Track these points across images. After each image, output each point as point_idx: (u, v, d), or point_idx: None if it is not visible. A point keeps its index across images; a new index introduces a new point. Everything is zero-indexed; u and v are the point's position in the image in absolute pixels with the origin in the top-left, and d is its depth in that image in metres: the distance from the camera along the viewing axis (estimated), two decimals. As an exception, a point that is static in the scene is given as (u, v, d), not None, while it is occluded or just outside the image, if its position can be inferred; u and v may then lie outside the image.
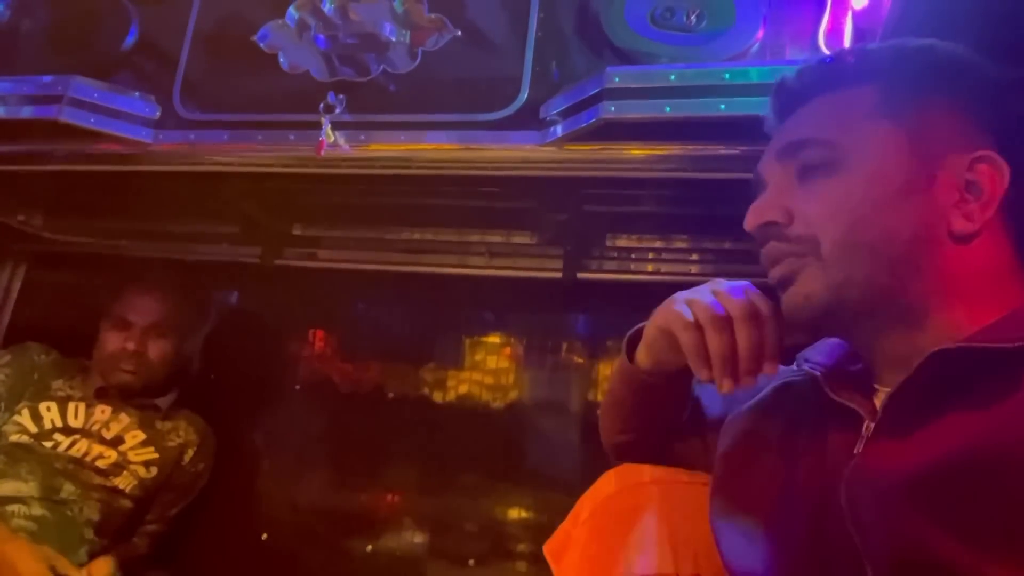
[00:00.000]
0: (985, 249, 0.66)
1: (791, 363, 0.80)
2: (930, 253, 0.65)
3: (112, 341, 1.63)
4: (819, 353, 0.77)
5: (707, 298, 0.73)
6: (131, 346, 1.62)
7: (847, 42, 1.05)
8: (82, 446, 1.55)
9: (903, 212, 0.66)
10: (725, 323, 0.71)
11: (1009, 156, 0.66)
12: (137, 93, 1.33)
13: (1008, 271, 0.67)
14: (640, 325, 0.86)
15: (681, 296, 0.77)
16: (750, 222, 0.72)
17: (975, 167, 0.66)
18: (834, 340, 0.79)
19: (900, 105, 0.68)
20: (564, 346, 1.76)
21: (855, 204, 0.66)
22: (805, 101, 0.74)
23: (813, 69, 0.74)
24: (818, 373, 0.73)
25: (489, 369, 1.78)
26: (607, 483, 0.87)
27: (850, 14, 1.05)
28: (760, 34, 1.12)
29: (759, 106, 0.98)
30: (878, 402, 0.67)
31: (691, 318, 0.73)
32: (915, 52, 0.71)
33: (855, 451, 0.64)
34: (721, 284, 0.75)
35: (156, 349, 1.65)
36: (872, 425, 0.64)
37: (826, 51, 1.07)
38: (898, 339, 0.66)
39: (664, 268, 1.59)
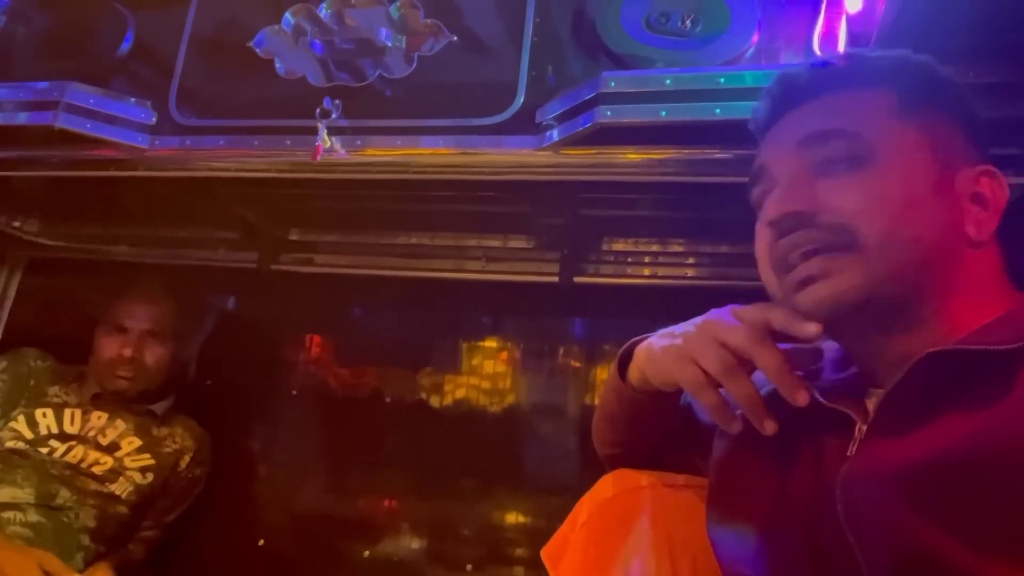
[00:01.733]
0: (988, 256, 0.68)
1: None
2: (952, 256, 0.66)
3: (108, 347, 1.63)
4: None
5: (711, 349, 0.69)
6: (127, 352, 1.61)
7: (841, 47, 1.06)
8: (78, 452, 1.55)
9: (934, 213, 0.66)
10: (740, 368, 0.68)
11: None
12: (133, 99, 1.33)
13: (1001, 278, 0.69)
14: (632, 341, 0.86)
15: (678, 344, 0.73)
16: (776, 210, 0.68)
17: (980, 180, 0.68)
18: (824, 345, 0.79)
19: (920, 112, 0.69)
20: (561, 350, 1.76)
21: (894, 199, 0.66)
22: (814, 96, 0.72)
23: (823, 67, 0.74)
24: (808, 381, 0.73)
25: (486, 373, 1.78)
26: (604, 487, 0.87)
27: (844, 19, 1.05)
28: (755, 39, 1.13)
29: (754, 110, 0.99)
30: (870, 405, 0.68)
31: (702, 377, 0.69)
32: (925, 66, 0.72)
33: (848, 453, 0.65)
34: (714, 325, 0.71)
35: (152, 355, 1.65)
36: (864, 427, 0.65)
37: (820, 55, 1.07)
38: (901, 340, 0.66)
39: (661, 272, 1.59)
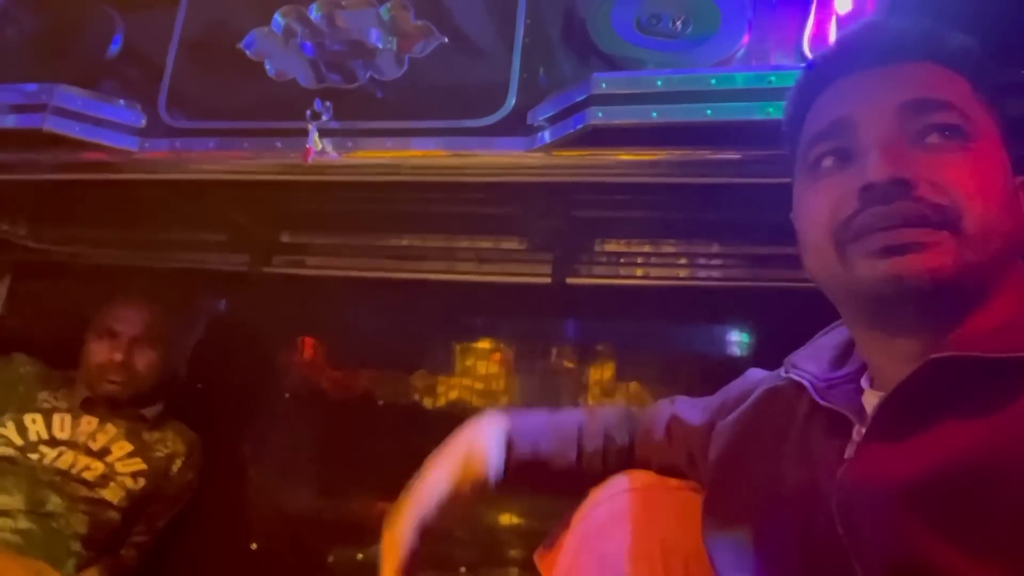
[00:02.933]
0: (1020, 263, 0.66)
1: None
2: (1013, 259, 0.64)
3: (98, 352, 1.62)
4: (806, 359, 0.76)
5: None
6: (118, 357, 1.60)
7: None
8: (68, 458, 1.54)
9: (1014, 209, 0.64)
10: None
11: None
12: (122, 101, 1.32)
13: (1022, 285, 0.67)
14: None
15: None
16: (884, 172, 0.61)
17: (1020, 190, 0.67)
18: (820, 344, 0.79)
19: (993, 108, 0.67)
20: (554, 351, 1.76)
21: (996, 187, 0.63)
22: (908, 59, 0.67)
23: (920, 30, 0.69)
24: (805, 380, 0.72)
25: (479, 375, 1.78)
26: (597, 489, 0.87)
27: (834, 20, 1.05)
28: (745, 40, 1.13)
29: (745, 111, 0.99)
30: (868, 405, 0.67)
31: None
32: (989, 60, 0.69)
33: (845, 456, 0.64)
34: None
35: (143, 359, 1.64)
36: (863, 430, 0.64)
37: (810, 56, 1.07)
38: (938, 334, 0.62)
39: (653, 273, 1.59)
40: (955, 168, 0.62)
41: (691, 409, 0.91)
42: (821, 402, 0.69)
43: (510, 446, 0.88)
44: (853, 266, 0.63)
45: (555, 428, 0.92)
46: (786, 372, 0.77)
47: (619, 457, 0.91)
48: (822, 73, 0.72)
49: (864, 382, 0.71)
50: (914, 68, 0.67)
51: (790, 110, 0.76)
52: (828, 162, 0.68)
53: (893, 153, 0.62)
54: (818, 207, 0.67)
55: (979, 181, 0.62)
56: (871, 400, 0.67)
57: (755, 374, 0.88)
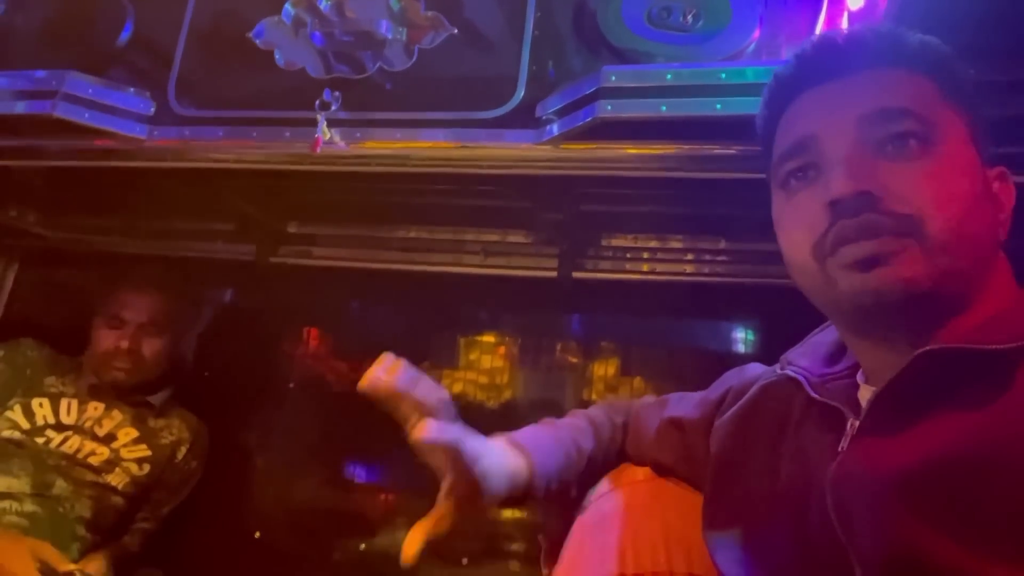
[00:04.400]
0: (1003, 258, 0.67)
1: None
2: (993, 255, 0.65)
3: (106, 339, 1.62)
4: (801, 355, 0.77)
5: None
6: (125, 344, 1.61)
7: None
8: (74, 443, 1.55)
9: (985, 209, 0.65)
10: None
11: None
12: (132, 89, 1.33)
13: (1012, 279, 0.68)
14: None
15: None
16: (847, 186, 0.62)
17: (995, 182, 0.68)
18: (816, 340, 0.79)
19: (957, 105, 0.67)
20: (559, 345, 1.76)
21: (960, 193, 0.63)
22: (865, 68, 0.68)
23: (874, 36, 0.69)
24: (800, 376, 0.73)
25: (484, 368, 1.78)
26: (602, 482, 0.88)
27: (846, 14, 1.05)
28: (756, 34, 1.12)
29: (755, 106, 0.98)
30: (863, 400, 0.67)
31: None
32: (956, 59, 0.69)
33: (839, 449, 0.64)
34: None
35: (150, 347, 1.65)
36: (857, 423, 0.64)
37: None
38: (925, 336, 0.62)
39: (659, 268, 1.59)
40: (917, 176, 0.63)
41: (686, 406, 0.91)
42: (816, 397, 0.69)
43: (531, 482, 0.82)
44: (834, 281, 0.64)
45: (566, 466, 0.87)
46: (781, 368, 0.77)
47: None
48: (785, 89, 0.73)
49: (859, 377, 0.71)
50: (873, 77, 0.67)
51: (761, 124, 0.77)
52: (797, 180, 0.69)
53: (856, 166, 0.63)
54: (794, 225, 0.68)
55: (942, 186, 0.62)
56: (865, 395, 0.67)
57: (754, 369, 0.88)
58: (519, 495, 0.79)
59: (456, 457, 0.71)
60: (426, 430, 0.68)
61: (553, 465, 0.83)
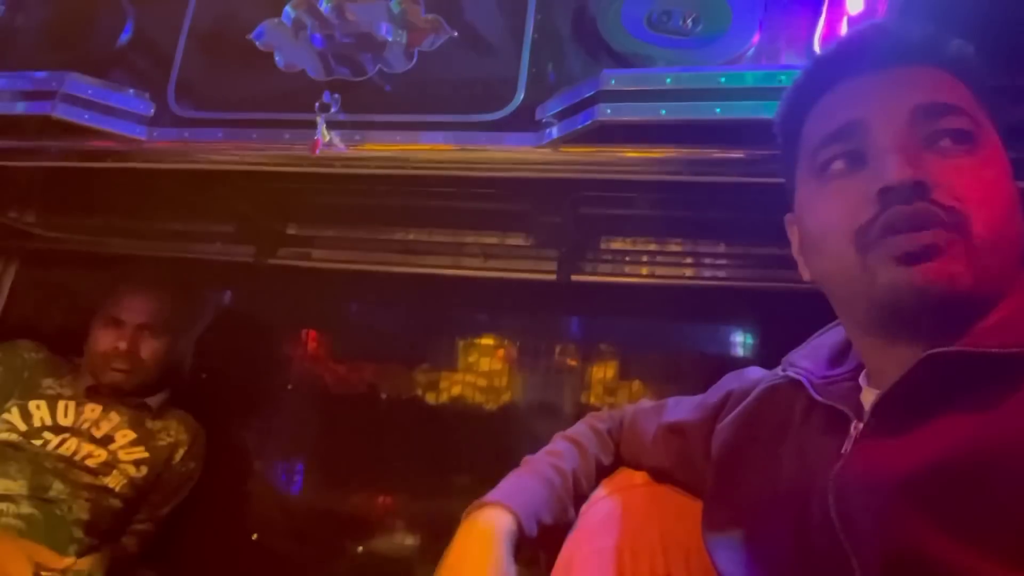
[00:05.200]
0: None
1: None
2: (1019, 262, 0.64)
3: (104, 340, 1.62)
4: (803, 357, 0.77)
5: None
6: (123, 346, 1.61)
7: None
8: (72, 445, 1.54)
9: (1019, 216, 0.64)
10: None
11: None
12: (132, 90, 1.33)
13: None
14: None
15: None
16: (904, 173, 0.61)
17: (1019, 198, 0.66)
18: (818, 342, 0.79)
19: (993, 114, 0.67)
20: (558, 348, 1.76)
21: (1003, 193, 0.62)
22: (916, 62, 0.67)
23: (926, 35, 0.68)
24: (803, 378, 0.73)
25: (482, 371, 1.78)
26: (600, 486, 0.88)
27: (845, 19, 1.05)
28: (756, 39, 1.12)
29: (754, 110, 0.99)
30: (866, 402, 0.67)
31: None
32: (986, 68, 0.69)
33: (842, 451, 0.64)
34: None
35: (148, 349, 1.65)
36: (860, 426, 0.64)
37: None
38: (940, 338, 0.61)
39: (658, 271, 1.59)
40: (965, 173, 0.62)
41: (685, 410, 0.90)
42: (819, 399, 0.69)
43: (520, 532, 0.80)
44: (875, 273, 0.62)
45: (551, 495, 0.85)
46: (783, 370, 0.77)
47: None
48: (825, 74, 0.71)
49: (862, 380, 0.71)
50: (922, 72, 0.67)
51: (786, 110, 0.75)
52: (839, 165, 0.67)
53: (909, 155, 0.62)
54: (831, 211, 0.66)
55: (988, 187, 0.62)
56: (869, 397, 0.67)
57: (753, 372, 0.88)
58: (518, 546, 0.77)
59: None
60: None
61: (535, 501, 0.81)
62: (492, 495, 0.80)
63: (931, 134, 0.63)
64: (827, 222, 0.66)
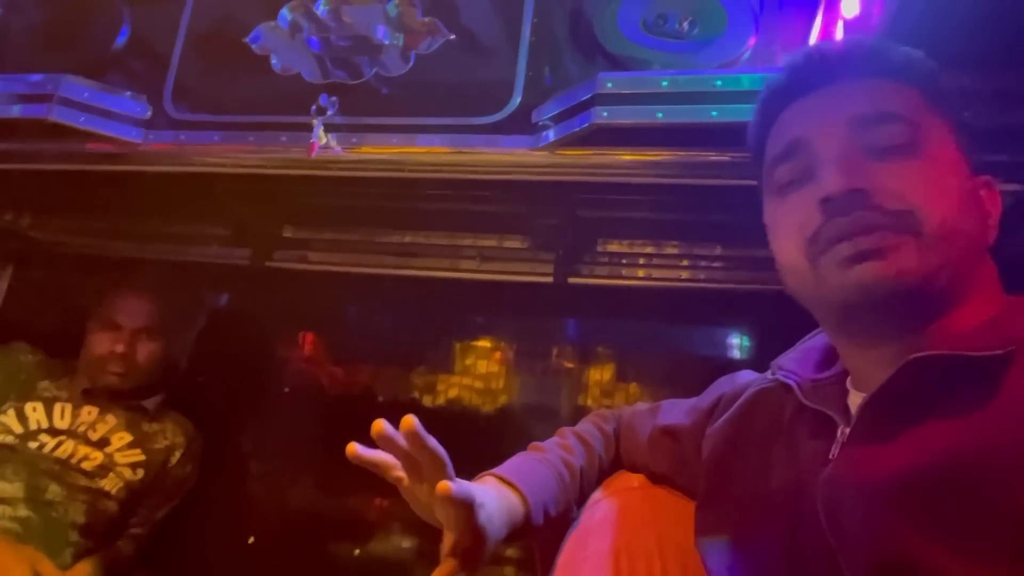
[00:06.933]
0: (990, 263, 0.69)
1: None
2: (982, 254, 0.67)
3: (100, 343, 1.62)
4: (792, 361, 0.77)
5: None
6: (120, 348, 1.60)
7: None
8: (68, 447, 1.54)
9: (976, 209, 0.67)
10: None
11: None
12: (128, 93, 1.33)
13: (998, 285, 0.69)
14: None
15: None
16: (839, 184, 0.64)
17: (982, 190, 0.69)
18: (807, 347, 0.79)
19: (942, 115, 0.69)
20: (554, 351, 1.76)
21: (950, 189, 0.64)
22: (854, 77, 0.70)
23: (864, 49, 0.72)
24: (791, 381, 0.73)
25: (479, 373, 1.78)
26: (598, 490, 0.88)
27: (841, 23, 1.05)
28: (752, 42, 1.13)
29: (751, 113, 0.99)
30: (852, 407, 0.67)
31: None
32: (940, 71, 0.71)
33: (830, 456, 0.64)
34: None
35: (145, 352, 1.64)
36: (847, 430, 0.65)
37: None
38: (909, 339, 0.63)
39: (655, 274, 1.59)
40: (908, 174, 0.64)
41: (678, 413, 0.91)
42: (807, 403, 0.70)
43: (527, 518, 0.80)
44: (824, 279, 0.65)
45: (560, 488, 0.86)
46: (772, 374, 0.77)
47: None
48: (775, 99, 0.75)
49: (849, 383, 0.71)
50: (860, 85, 0.70)
51: (752, 136, 0.79)
52: (789, 182, 0.70)
53: (847, 165, 0.65)
54: (787, 227, 0.69)
55: (934, 183, 0.64)
56: (855, 401, 0.68)
57: (745, 375, 0.88)
58: (519, 531, 0.77)
59: (469, 514, 0.68)
60: (450, 486, 0.66)
61: (546, 491, 0.82)
62: (506, 472, 0.80)
63: (871, 142, 0.66)
64: (784, 237, 0.70)
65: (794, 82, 0.73)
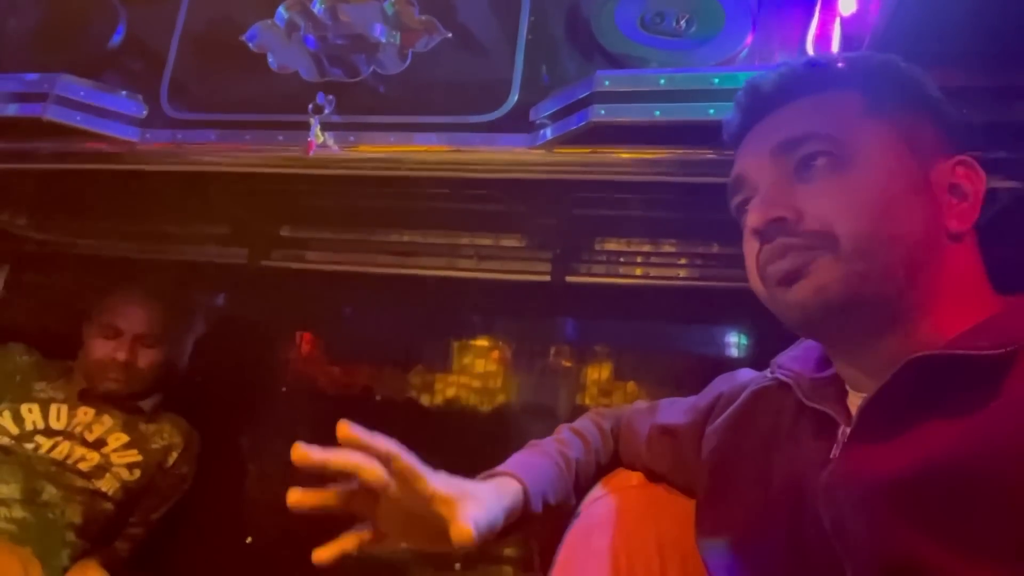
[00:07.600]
0: (968, 251, 0.68)
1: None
2: (934, 251, 0.66)
3: (100, 348, 1.61)
4: (792, 360, 0.77)
5: None
6: (121, 356, 1.60)
7: (835, 48, 1.06)
8: (64, 448, 1.54)
9: (913, 208, 0.66)
10: None
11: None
12: (124, 92, 1.32)
13: (981, 277, 0.68)
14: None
15: None
16: (759, 218, 0.68)
17: (956, 170, 0.68)
18: (807, 345, 0.79)
19: (887, 110, 0.69)
20: (552, 350, 1.76)
21: (872, 199, 0.65)
22: (785, 102, 0.72)
23: (793, 72, 0.73)
24: (790, 380, 0.73)
25: (477, 372, 1.78)
26: (596, 487, 0.87)
27: (838, 20, 1.05)
28: (749, 40, 1.13)
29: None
30: (852, 406, 0.67)
31: None
32: (887, 64, 0.72)
33: (831, 455, 0.64)
34: None
35: (145, 359, 1.64)
36: (848, 430, 0.65)
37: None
38: (885, 343, 0.65)
39: (652, 272, 1.59)
40: (829, 192, 0.67)
41: (677, 412, 0.91)
42: (807, 402, 0.70)
43: (526, 505, 0.80)
44: (775, 302, 0.70)
45: (558, 476, 0.86)
46: (772, 373, 0.77)
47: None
48: (730, 139, 0.79)
49: (849, 385, 0.71)
50: (788, 109, 0.72)
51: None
52: (741, 215, 0.75)
53: (772, 195, 0.69)
54: (747, 255, 0.73)
55: (854, 196, 0.66)
56: (855, 400, 0.68)
57: (744, 374, 0.88)
58: (519, 520, 0.77)
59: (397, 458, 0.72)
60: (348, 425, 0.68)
61: (544, 480, 0.82)
62: (503, 467, 0.81)
63: (795, 166, 0.69)
64: (748, 266, 0.74)
65: (738, 120, 0.77)
